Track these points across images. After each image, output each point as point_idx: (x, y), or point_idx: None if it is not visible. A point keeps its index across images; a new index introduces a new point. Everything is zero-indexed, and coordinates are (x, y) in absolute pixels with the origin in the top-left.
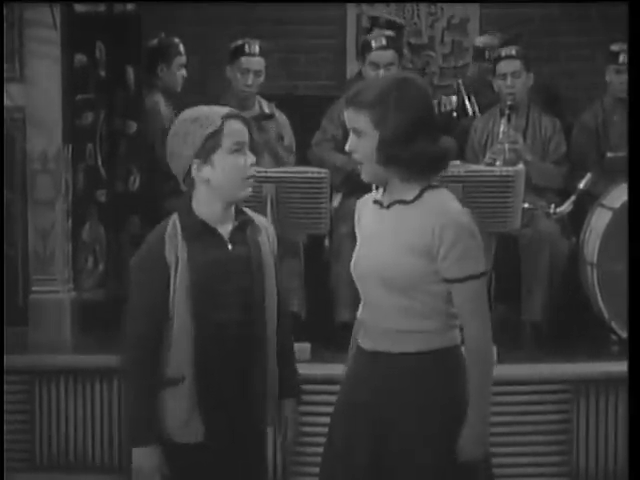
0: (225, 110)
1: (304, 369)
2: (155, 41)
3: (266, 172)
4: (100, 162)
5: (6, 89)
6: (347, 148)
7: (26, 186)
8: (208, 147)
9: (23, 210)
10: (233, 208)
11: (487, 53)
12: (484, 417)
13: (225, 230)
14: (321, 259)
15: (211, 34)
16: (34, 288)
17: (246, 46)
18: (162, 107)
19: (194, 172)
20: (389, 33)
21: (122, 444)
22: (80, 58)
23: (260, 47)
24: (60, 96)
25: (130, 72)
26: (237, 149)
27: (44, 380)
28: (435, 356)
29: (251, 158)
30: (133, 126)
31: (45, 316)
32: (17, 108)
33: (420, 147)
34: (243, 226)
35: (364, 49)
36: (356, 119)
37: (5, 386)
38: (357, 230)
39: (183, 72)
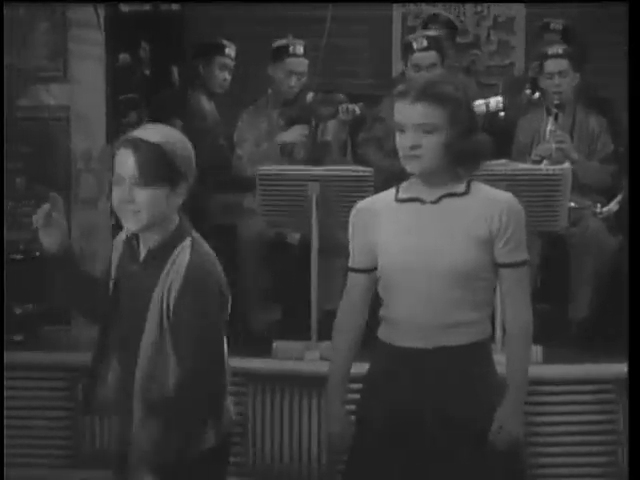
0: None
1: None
2: (204, 40)
3: (310, 170)
4: None
5: (50, 89)
6: (411, 143)
7: (70, 185)
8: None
9: (66, 209)
10: (167, 230)
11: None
12: (522, 400)
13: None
14: None
15: (254, 33)
16: None
17: (290, 47)
18: (205, 105)
19: None
20: (430, 33)
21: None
22: (124, 57)
23: (304, 47)
24: (104, 95)
25: (174, 71)
26: (117, 180)
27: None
28: (481, 347)
29: (120, 192)
30: (178, 125)
31: None
32: (61, 107)
33: (480, 142)
34: (157, 252)
35: (406, 50)
36: (429, 114)
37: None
38: (371, 231)
39: (225, 74)
